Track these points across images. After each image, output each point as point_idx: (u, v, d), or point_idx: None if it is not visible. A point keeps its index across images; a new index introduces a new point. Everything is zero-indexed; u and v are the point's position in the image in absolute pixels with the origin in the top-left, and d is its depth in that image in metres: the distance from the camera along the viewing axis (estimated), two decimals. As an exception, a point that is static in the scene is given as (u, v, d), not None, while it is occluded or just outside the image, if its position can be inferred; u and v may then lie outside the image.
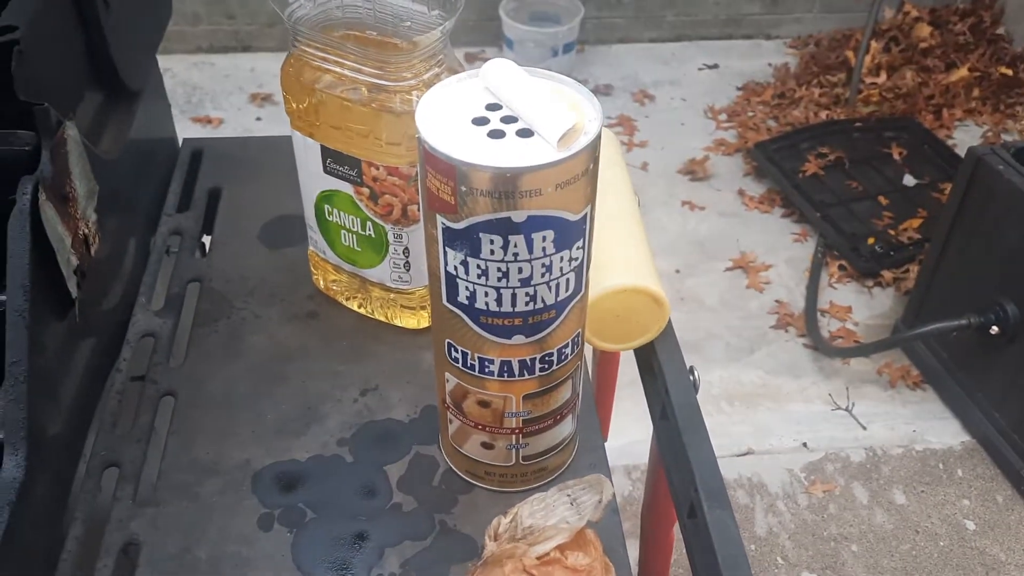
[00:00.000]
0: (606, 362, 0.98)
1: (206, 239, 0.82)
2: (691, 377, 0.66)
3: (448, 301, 0.51)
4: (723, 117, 2.60)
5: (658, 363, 0.67)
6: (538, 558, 0.50)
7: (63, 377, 0.61)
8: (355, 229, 0.67)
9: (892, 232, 2.15)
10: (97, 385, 0.67)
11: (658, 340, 0.69)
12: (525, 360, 0.53)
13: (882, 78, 2.58)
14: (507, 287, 0.49)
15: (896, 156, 2.38)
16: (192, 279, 0.76)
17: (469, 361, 0.53)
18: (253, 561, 0.57)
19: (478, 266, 0.48)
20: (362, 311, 0.73)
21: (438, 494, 0.61)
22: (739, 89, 2.71)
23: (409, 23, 0.60)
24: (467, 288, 0.50)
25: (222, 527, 0.59)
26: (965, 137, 2.52)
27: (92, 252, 0.64)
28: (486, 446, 0.58)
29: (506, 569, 0.49)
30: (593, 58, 2.81)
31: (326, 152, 0.64)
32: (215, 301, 0.74)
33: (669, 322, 0.69)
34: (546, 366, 0.54)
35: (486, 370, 0.53)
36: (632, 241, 0.70)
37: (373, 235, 0.66)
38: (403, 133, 0.60)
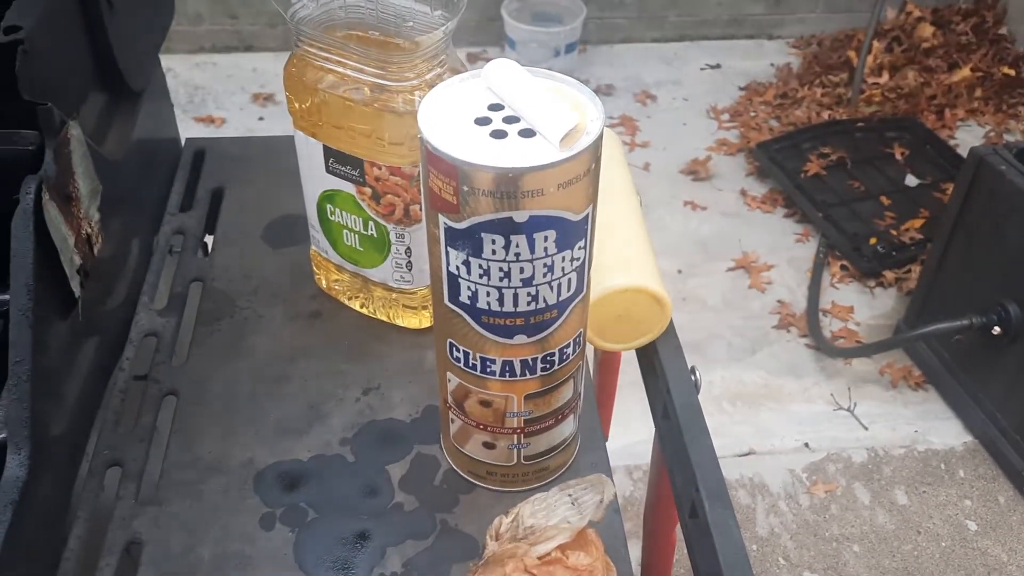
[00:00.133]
0: (607, 362, 0.99)
1: (208, 239, 0.82)
2: (693, 377, 0.67)
3: (450, 301, 0.52)
4: (725, 117, 2.60)
5: (660, 363, 0.67)
6: (539, 558, 0.50)
7: (66, 376, 0.61)
8: (357, 229, 0.67)
9: (894, 232, 2.14)
10: (100, 384, 0.67)
11: (660, 340, 0.69)
12: (527, 360, 0.53)
13: (884, 78, 2.58)
14: (509, 287, 0.49)
15: (898, 156, 2.38)
16: (195, 278, 0.76)
17: (471, 361, 0.53)
18: (255, 560, 0.57)
19: (480, 266, 0.48)
20: (364, 311, 0.73)
21: (440, 494, 0.61)
22: (741, 89, 2.71)
23: (412, 23, 0.60)
24: (469, 288, 0.50)
25: (224, 526, 0.59)
26: (967, 137, 2.52)
27: (95, 252, 0.64)
28: (488, 446, 0.58)
29: (507, 569, 0.49)
30: (595, 58, 2.81)
31: (328, 152, 0.64)
32: (218, 300, 0.74)
33: (671, 322, 0.69)
34: (548, 366, 0.54)
35: (488, 370, 0.53)
36: (634, 241, 0.70)
37: (375, 235, 0.66)
38: (405, 133, 0.60)
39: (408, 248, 0.66)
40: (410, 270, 0.68)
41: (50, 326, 0.58)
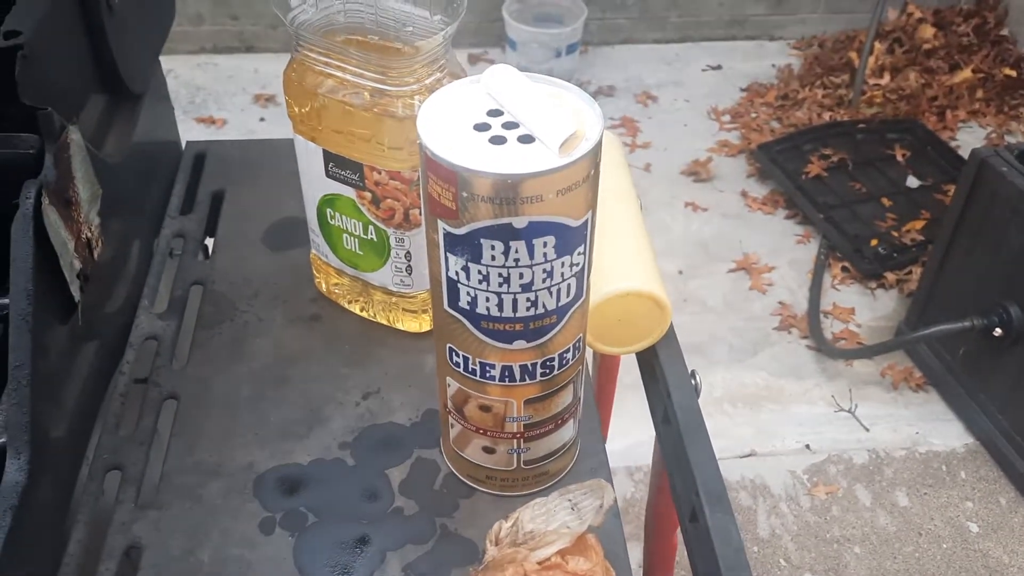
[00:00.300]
0: (606, 365, 0.98)
1: (209, 241, 0.82)
2: (693, 381, 0.67)
3: (449, 306, 0.52)
4: (726, 118, 2.60)
5: (660, 367, 0.67)
6: (539, 563, 0.50)
7: (66, 380, 0.61)
8: (357, 233, 0.67)
9: (895, 234, 2.14)
10: (100, 388, 0.67)
11: (660, 344, 0.69)
12: (526, 365, 0.53)
13: (886, 79, 2.57)
14: (508, 292, 0.49)
15: (899, 158, 2.38)
16: (195, 282, 0.76)
17: (470, 366, 0.53)
18: (255, 564, 0.57)
19: (479, 271, 0.48)
20: (364, 314, 0.73)
21: (439, 498, 0.61)
22: (743, 90, 2.71)
23: (411, 28, 0.60)
24: (468, 293, 0.50)
25: (224, 530, 0.59)
26: (969, 139, 2.52)
27: (95, 256, 0.64)
28: (487, 450, 0.58)
29: (507, 574, 0.49)
30: (596, 59, 2.81)
31: (328, 156, 0.64)
32: (218, 304, 0.74)
33: (671, 326, 0.69)
34: (547, 371, 0.54)
35: (487, 375, 0.53)
36: (634, 245, 0.70)
37: (375, 239, 0.66)
38: (405, 137, 0.60)
39: (408, 252, 0.66)
40: (410, 274, 0.68)
41: (50, 330, 0.58)
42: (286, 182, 0.82)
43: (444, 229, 0.48)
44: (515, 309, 0.50)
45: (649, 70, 2.79)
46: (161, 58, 0.89)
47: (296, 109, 0.64)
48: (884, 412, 1.83)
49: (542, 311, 0.50)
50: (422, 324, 0.71)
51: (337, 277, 0.73)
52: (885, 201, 2.24)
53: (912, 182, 2.31)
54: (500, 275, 0.48)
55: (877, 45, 2.61)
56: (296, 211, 0.78)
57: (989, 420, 1.74)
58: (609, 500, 0.52)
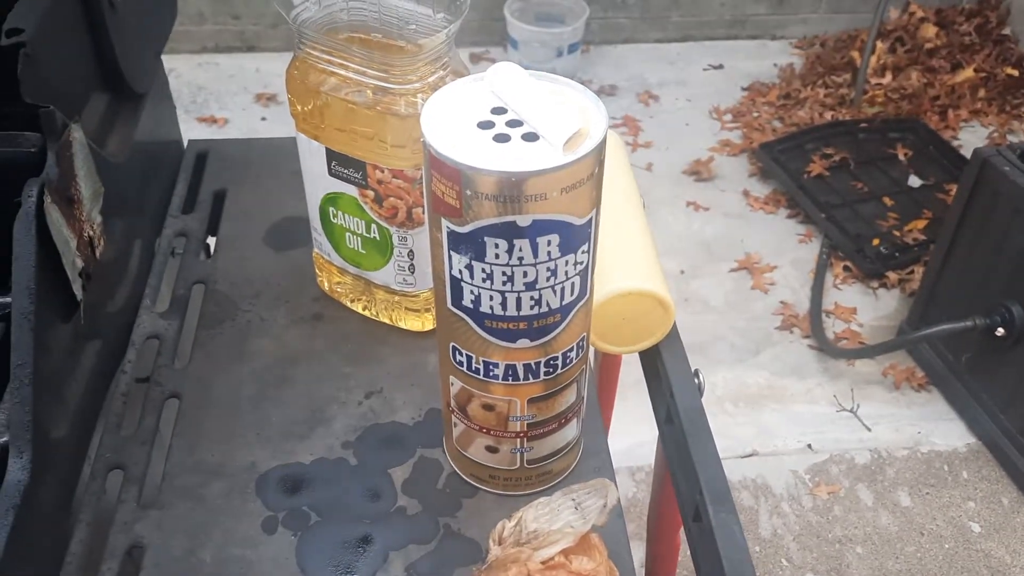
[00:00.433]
0: (609, 364, 0.98)
1: (211, 240, 0.82)
2: (696, 381, 0.66)
3: (453, 305, 0.51)
4: (728, 118, 2.59)
5: (663, 367, 0.67)
6: (543, 562, 0.50)
7: (68, 379, 0.61)
8: (360, 232, 0.67)
9: (897, 233, 2.14)
10: (102, 387, 0.67)
11: (663, 343, 0.68)
12: (530, 364, 0.53)
13: (887, 79, 2.57)
14: (512, 291, 0.49)
15: (901, 157, 2.38)
16: (197, 281, 0.76)
17: (474, 365, 0.53)
18: (257, 564, 0.57)
19: (483, 270, 0.48)
20: (367, 313, 0.73)
21: (442, 497, 0.61)
22: (744, 90, 2.70)
23: (414, 26, 0.59)
24: (472, 292, 0.50)
25: (227, 530, 0.59)
26: (971, 138, 2.52)
27: (97, 254, 0.64)
28: (491, 450, 0.58)
29: (510, 573, 0.49)
30: (598, 58, 2.81)
31: (331, 155, 0.64)
32: (220, 303, 0.74)
33: (674, 325, 0.69)
34: (551, 370, 0.54)
35: (491, 374, 0.53)
36: (638, 244, 0.70)
37: (378, 238, 0.66)
38: (408, 136, 0.60)
39: (411, 251, 0.66)
40: (413, 273, 0.67)
41: (52, 329, 0.58)
42: (288, 181, 0.83)
43: (448, 227, 0.48)
44: (519, 308, 0.50)
45: (651, 69, 2.79)
46: (163, 57, 0.89)
47: (299, 107, 0.64)
48: (886, 412, 1.83)
49: (546, 310, 0.50)
50: (425, 323, 0.71)
51: (340, 276, 0.72)
52: (887, 200, 2.24)
53: (914, 181, 2.31)
54: (504, 273, 0.48)
55: (879, 44, 2.60)
56: (298, 210, 0.78)
57: (991, 420, 1.73)
58: (613, 500, 0.52)
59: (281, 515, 0.59)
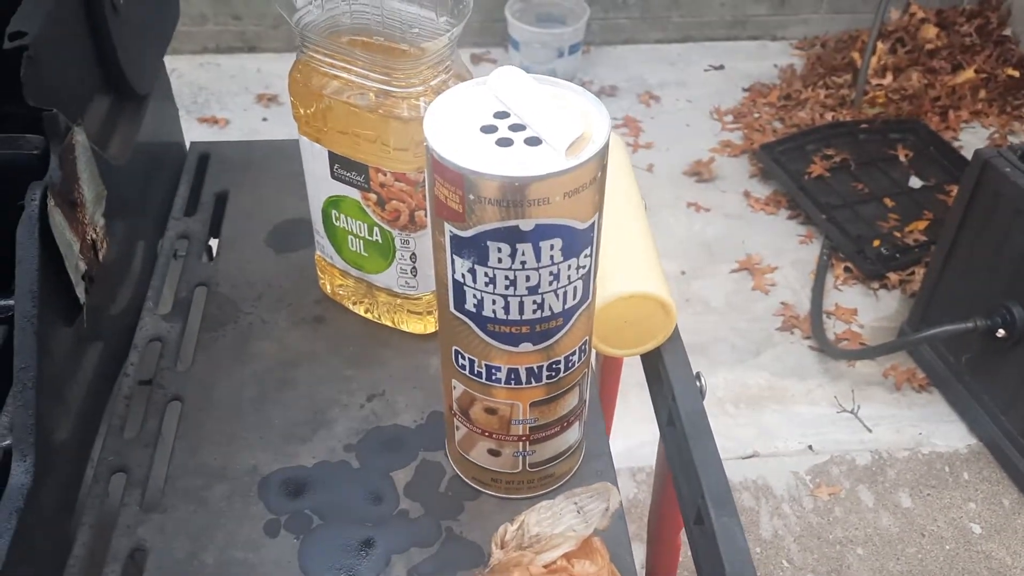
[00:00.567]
0: (609, 367, 0.98)
1: (213, 243, 0.82)
2: (698, 384, 0.66)
3: (455, 309, 0.51)
4: (729, 118, 2.59)
5: (665, 369, 0.67)
6: (545, 566, 0.50)
7: (71, 382, 0.61)
8: (362, 234, 0.67)
9: (898, 234, 2.14)
10: (104, 390, 0.67)
11: (665, 346, 0.68)
12: (532, 368, 0.53)
13: (888, 79, 2.57)
14: (514, 295, 0.49)
15: (902, 158, 2.38)
16: (199, 283, 0.76)
17: (476, 368, 0.53)
18: (260, 567, 0.57)
19: (486, 274, 0.48)
20: (369, 316, 0.73)
21: (445, 501, 0.61)
22: (745, 90, 2.70)
23: (417, 29, 0.60)
24: (474, 296, 0.50)
25: (229, 533, 0.59)
26: (971, 139, 2.52)
27: (100, 257, 0.64)
28: (493, 453, 0.58)
29: (513, 577, 0.49)
30: (599, 59, 2.81)
31: (333, 158, 0.64)
32: (222, 305, 0.74)
33: (676, 328, 0.69)
34: (553, 374, 0.54)
35: (493, 377, 0.53)
36: (639, 247, 0.70)
37: (380, 241, 0.66)
38: (410, 139, 0.60)
39: (413, 254, 0.66)
40: (415, 276, 0.68)
41: (55, 332, 0.58)
42: (290, 183, 0.83)
43: (450, 231, 0.48)
44: (521, 312, 0.50)
45: (651, 70, 2.79)
46: (164, 58, 0.89)
47: (301, 110, 0.64)
48: (887, 413, 1.83)
49: (548, 314, 0.50)
50: (427, 326, 0.71)
51: (342, 278, 0.72)
52: (888, 201, 2.24)
53: (915, 182, 2.31)
54: (507, 277, 0.48)
55: (879, 45, 2.61)
56: (300, 212, 0.78)
57: (992, 421, 1.73)
58: (615, 503, 0.52)
59: (283, 518, 0.60)
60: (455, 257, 0.49)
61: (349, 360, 0.70)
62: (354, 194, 0.65)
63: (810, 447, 1.76)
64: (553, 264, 0.48)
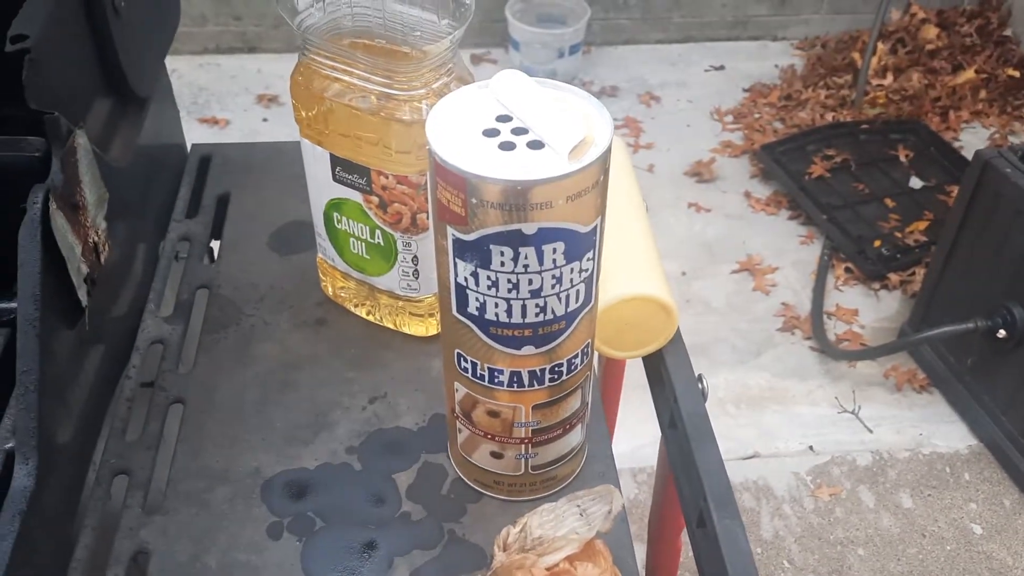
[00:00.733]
0: (612, 369, 0.98)
1: (214, 244, 0.82)
2: (700, 386, 0.66)
3: (458, 312, 0.51)
4: (729, 119, 2.59)
5: (667, 371, 0.67)
6: (547, 569, 0.50)
7: (73, 385, 0.61)
8: (364, 237, 0.67)
9: (899, 235, 2.14)
10: (107, 392, 0.67)
11: (667, 348, 0.69)
12: (535, 371, 0.53)
13: (888, 80, 2.57)
14: (517, 298, 0.49)
15: (903, 158, 2.38)
16: (201, 285, 0.76)
17: (478, 371, 0.53)
18: (263, 570, 0.57)
19: (488, 277, 0.48)
20: (370, 318, 0.73)
21: (447, 503, 0.61)
22: (746, 91, 2.70)
23: (419, 32, 0.60)
24: (477, 299, 0.50)
25: (232, 535, 0.59)
26: (972, 139, 2.52)
27: (102, 260, 0.64)
28: (495, 455, 0.58)
29: (516, 580, 0.49)
30: (599, 59, 2.81)
31: (335, 160, 0.64)
32: (224, 307, 0.74)
33: (678, 330, 0.69)
34: (555, 376, 0.54)
35: (495, 380, 0.53)
36: (641, 249, 0.70)
37: (382, 243, 0.66)
38: (412, 142, 0.60)
39: (415, 256, 0.66)
40: (417, 278, 0.68)
41: (57, 335, 0.58)
42: (292, 185, 0.83)
43: (453, 235, 0.48)
44: (524, 315, 0.50)
45: (652, 70, 2.79)
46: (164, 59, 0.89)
47: (303, 113, 0.64)
48: (888, 413, 1.83)
49: (551, 317, 0.50)
50: (428, 328, 0.71)
51: (343, 281, 0.73)
52: (888, 202, 2.24)
53: (915, 183, 2.31)
54: (509, 281, 0.48)
55: (880, 45, 2.60)
56: (302, 214, 0.78)
57: (993, 422, 1.73)
58: (618, 506, 0.52)
59: (286, 520, 0.60)
60: (457, 260, 0.49)
61: (351, 362, 0.70)
62: (356, 197, 0.65)
63: (811, 448, 1.76)
64: (556, 268, 0.48)
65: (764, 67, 2.79)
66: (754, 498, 1.67)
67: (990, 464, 1.74)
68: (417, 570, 0.57)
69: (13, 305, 0.55)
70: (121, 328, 0.71)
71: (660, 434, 0.69)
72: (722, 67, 2.81)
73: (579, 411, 0.58)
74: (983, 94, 2.62)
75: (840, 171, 2.32)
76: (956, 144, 2.46)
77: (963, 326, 1.68)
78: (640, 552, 0.78)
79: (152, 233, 0.80)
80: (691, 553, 0.61)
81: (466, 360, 0.54)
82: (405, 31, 0.60)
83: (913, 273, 2.07)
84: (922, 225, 2.15)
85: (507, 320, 0.50)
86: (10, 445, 0.53)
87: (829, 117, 2.52)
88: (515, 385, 0.53)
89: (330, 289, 0.75)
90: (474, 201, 0.45)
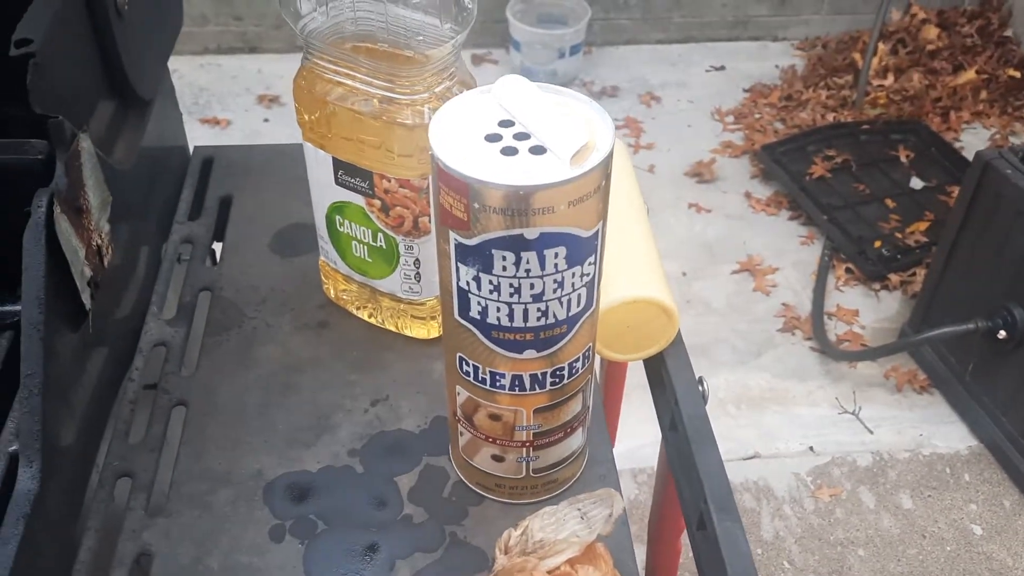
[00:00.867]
0: (614, 371, 0.99)
1: (217, 247, 0.82)
2: (701, 388, 0.67)
3: (460, 316, 0.52)
4: (730, 119, 2.60)
5: (667, 374, 0.68)
6: (549, 572, 0.50)
7: (76, 387, 0.61)
8: (366, 240, 0.67)
9: (899, 235, 2.14)
10: (109, 395, 0.67)
11: (668, 350, 0.69)
12: (536, 374, 0.53)
13: (889, 80, 2.57)
14: (519, 303, 0.49)
15: (903, 159, 2.38)
16: (203, 288, 0.76)
17: (480, 375, 0.54)
18: (265, 572, 0.57)
19: (490, 282, 0.49)
20: (372, 321, 0.73)
21: (448, 506, 0.61)
22: (746, 91, 2.71)
23: (421, 36, 0.60)
24: (479, 303, 0.50)
25: (234, 538, 0.59)
26: (972, 140, 2.52)
27: (105, 263, 0.64)
28: (496, 459, 0.59)
29: (517, 583, 0.49)
30: (600, 60, 2.81)
31: (338, 164, 0.64)
32: (226, 310, 0.75)
33: (679, 332, 0.69)
34: (557, 380, 0.54)
35: (497, 384, 0.54)
36: (642, 251, 0.70)
37: (384, 246, 0.66)
38: (415, 146, 0.60)
39: (417, 259, 0.66)
40: (419, 281, 0.68)
41: (61, 338, 0.58)
42: (294, 187, 0.83)
43: (455, 240, 0.48)
44: (526, 319, 0.50)
45: (653, 71, 2.79)
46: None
47: (306, 117, 0.64)
48: (888, 414, 1.84)
49: (552, 321, 0.51)
50: (430, 331, 0.71)
51: (345, 283, 0.73)
52: (889, 202, 2.24)
53: (916, 183, 2.31)
54: (511, 285, 0.48)
55: (881, 46, 2.61)
56: (304, 217, 0.78)
57: (993, 423, 1.74)
58: (618, 509, 0.52)
59: (288, 523, 0.60)
60: (460, 265, 0.49)
61: (353, 365, 0.71)
62: (358, 200, 0.65)
63: (811, 448, 1.77)
64: (557, 272, 0.48)
65: (765, 67, 2.80)
66: (754, 499, 1.67)
67: (990, 465, 1.74)
68: (419, 573, 0.57)
69: (17, 308, 0.56)
70: (124, 331, 0.71)
71: (660, 435, 0.69)
72: (723, 67, 2.81)
73: (580, 414, 0.58)
74: (984, 95, 2.62)
75: (841, 171, 2.32)
76: (957, 145, 2.46)
77: (964, 327, 1.68)
78: (640, 553, 0.78)
79: (154, 236, 0.80)
80: (691, 555, 0.61)
81: (468, 364, 0.54)
82: (407, 35, 0.60)
83: (914, 274, 2.07)
84: (923, 226, 2.16)
85: (509, 324, 0.50)
86: (14, 448, 0.53)
87: (830, 117, 2.52)
88: (517, 389, 0.54)
89: (332, 292, 0.75)
90: (476, 206, 0.46)
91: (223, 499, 0.61)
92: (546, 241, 0.47)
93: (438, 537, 0.59)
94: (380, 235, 0.66)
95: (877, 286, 2.09)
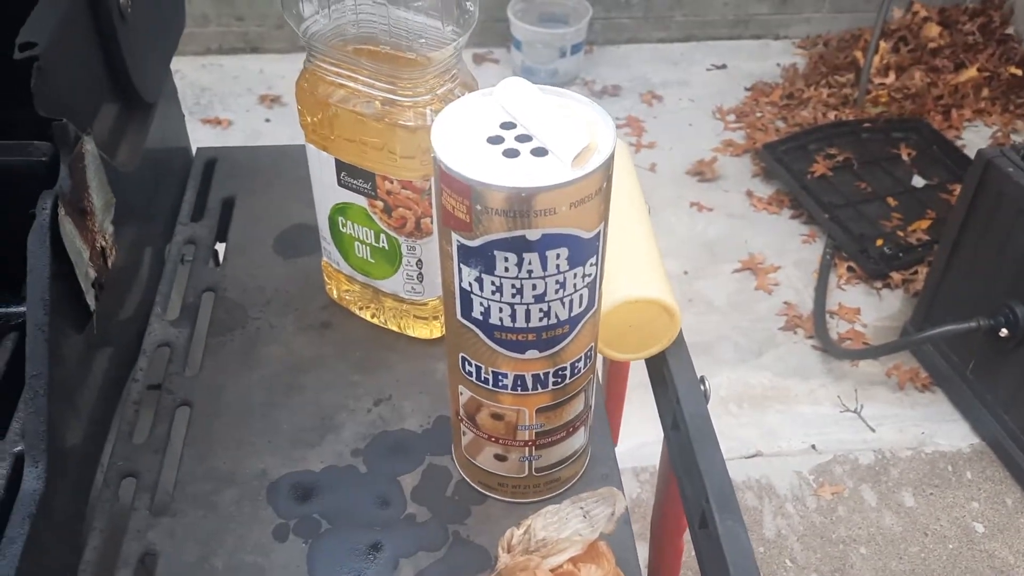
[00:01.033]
0: (616, 370, 0.99)
1: (220, 248, 0.82)
2: (702, 387, 0.67)
3: (462, 316, 0.52)
4: (731, 118, 2.60)
5: (669, 373, 0.68)
6: (552, 570, 0.50)
7: (81, 388, 0.61)
8: (369, 241, 0.67)
9: (901, 234, 2.15)
10: (114, 395, 0.68)
11: (669, 350, 0.69)
12: (538, 374, 0.53)
13: (891, 78, 2.57)
14: (521, 303, 0.49)
15: (905, 157, 2.38)
16: (207, 288, 0.77)
17: (483, 375, 0.54)
18: (269, 571, 0.57)
19: (492, 283, 0.49)
20: (375, 321, 0.74)
21: (452, 505, 0.61)
22: (747, 90, 2.71)
23: (423, 39, 0.60)
24: (481, 304, 0.50)
25: (239, 537, 0.59)
26: (974, 138, 2.52)
27: (109, 264, 0.64)
28: (499, 458, 0.59)
29: (520, 582, 0.50)
30: (601, 59, 2.81)
31: (340, 165, 0.64)
32: (230, 310, 0.75)
33: (680, 332, 0.69)
34: (559, 380, 0.54)
35: (500, 384, 0.54)
36: (643, 250, 0.70)
37: (387, 247, 0.67)
38: (417, 147, 0.61)
39: (419, 260, 0.67)
40: (421, 281, 0.68)
41: (66, 339, 0.58)
42: (297, 188, 0.83)
43: (458, 241, 0.48)
44: (528, 320, 0.50)
45: (654, 70, 2.79)
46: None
47: (308, 118, 0.64)
48: (890, 412, 1.84)
49: (555, 321, 0.51)
50: (433, 331, 0.71)
51: (348, 284, 0.73)
52: (891, 201, 2.24)
53: (918, 181, 2.31)
54: (513, 286, 0.49)
55: (882, 44, 2.61)
56: (307, 218, 0.79)
57: (995, 420, 1.74)
58: (621, 508, 0.52)
59: (292, 523, 0.60)
60: (462, 266, 0.49)
61: (356, 365, 0.71)
62: (361, 201, 0.65)
63: (813, 447, 1.77)
64: (559, 273, 0.49)
65: (766, 66, 2.80)
66: (756, 497, 1.67)
67: (992, 463, 1.75)
68: (422, 571, 0.58)
69: (22, 309, 0.56)
70: (128, 331, 0.72)
71: (662, 434, 0.70)
72: (724, 66, 2.81)
73: (582, 414, 0.58)
74: (985, 92, 2.62)
75: (842, 170, 2.33)
76: (958, 143, 2.46)
77: (965, 325, 1.68)
78: (642, 552, 0.78)
79: (158, 237, 0.81)
80: (693, 553, 0.62)
81: (470, 364, 0.54)
82: (409, 37, 0.61)
83: (915, 272, 2.07)
84: (924, 224, 2.16)
85: (511, 325, 0.51)
86: (19, 448, 0.54)
87: (831, 116, 2.52)
88: (519, 389, 0.54)
89: (335, 292, 0.75)
90: (478, 208, 0.46)
91: (227, 499, 0.62)
92: (548, 242, 0.47)
93: (441, 536, 0.60)
94: (382, 236, 0.66)
95: (879, 284, 2.09)
